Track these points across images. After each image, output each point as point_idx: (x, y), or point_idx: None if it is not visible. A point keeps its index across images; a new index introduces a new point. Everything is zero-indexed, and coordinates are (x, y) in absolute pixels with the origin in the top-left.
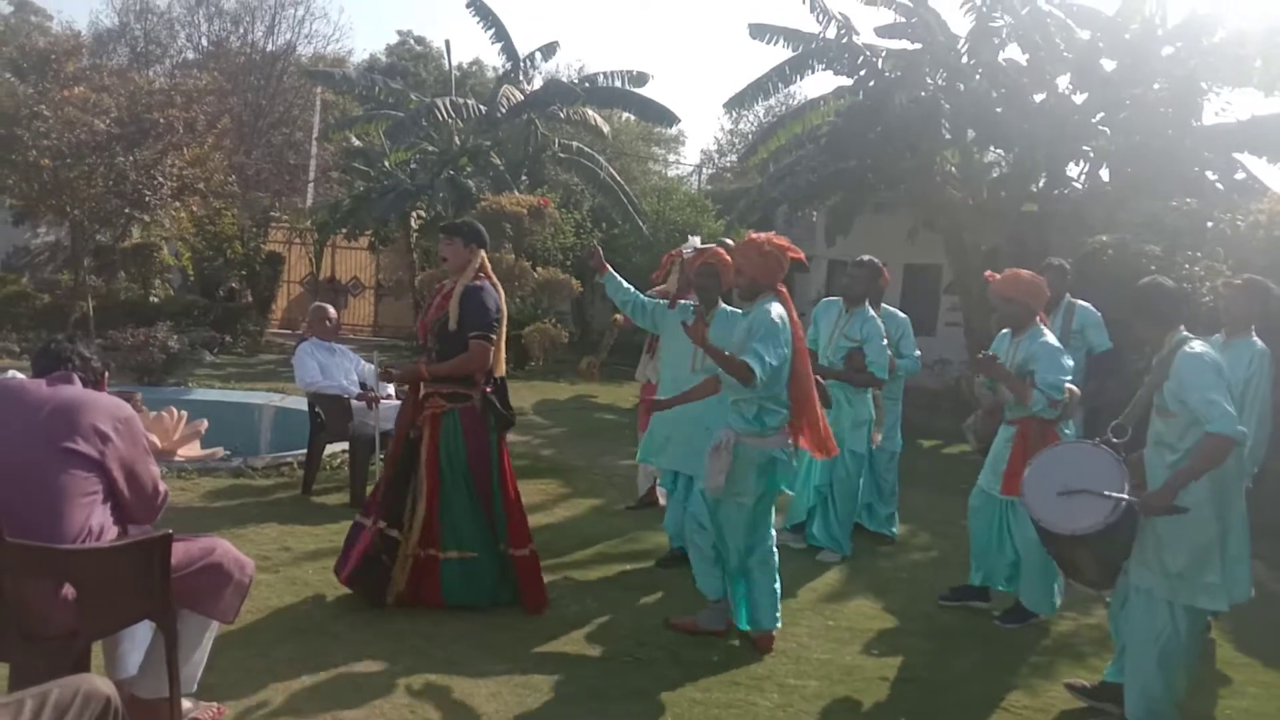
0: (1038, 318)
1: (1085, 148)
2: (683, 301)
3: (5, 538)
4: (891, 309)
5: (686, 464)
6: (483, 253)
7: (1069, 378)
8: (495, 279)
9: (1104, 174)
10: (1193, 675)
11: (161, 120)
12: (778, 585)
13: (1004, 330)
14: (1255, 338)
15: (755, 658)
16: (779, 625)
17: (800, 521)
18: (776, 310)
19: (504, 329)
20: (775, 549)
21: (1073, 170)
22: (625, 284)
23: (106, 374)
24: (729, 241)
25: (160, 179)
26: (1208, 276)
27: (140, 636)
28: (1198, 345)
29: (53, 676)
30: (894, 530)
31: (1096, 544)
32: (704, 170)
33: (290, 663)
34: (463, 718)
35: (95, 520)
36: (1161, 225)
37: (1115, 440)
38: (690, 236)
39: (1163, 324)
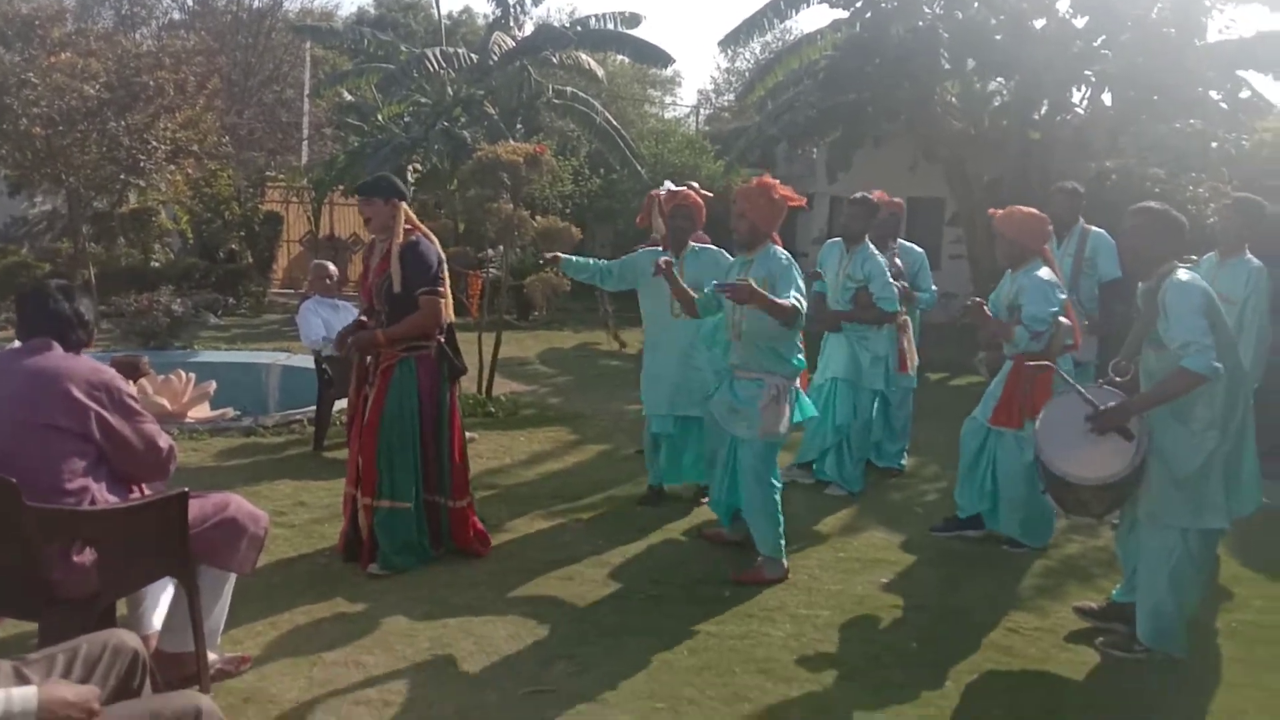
0: (1041, 253)
1: (1087, 72)
2: (643, 248)
3: (25, 503)
4: (908, 244)
5: (685, 406)
6: (405, 205)
7: (1056, 309)
8: (425, 228)
9: (1106, 98)
10: (1204, 594)
11: (151, 83)
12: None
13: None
14: (1250, 256)
15: (769, 592)
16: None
17: (809, 460)
18: (785, 254)
19: (447, 278)
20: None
21: (1075, 96)
22: (582, 260)
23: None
24: (694, 185)
25: (154, 143)
26: (1212, 198)
27: (162, 593)
28: (1184, 274)
29: (81, 634)
30: (902, 464)
31: (1116, 486)
32: (701, 111)
33: (310, 613)
34: (483, 659)
35: (92, 490)
36: (1165, 148)
37: (1118, 379)
38: (665, 182)
39: (1155, 258)
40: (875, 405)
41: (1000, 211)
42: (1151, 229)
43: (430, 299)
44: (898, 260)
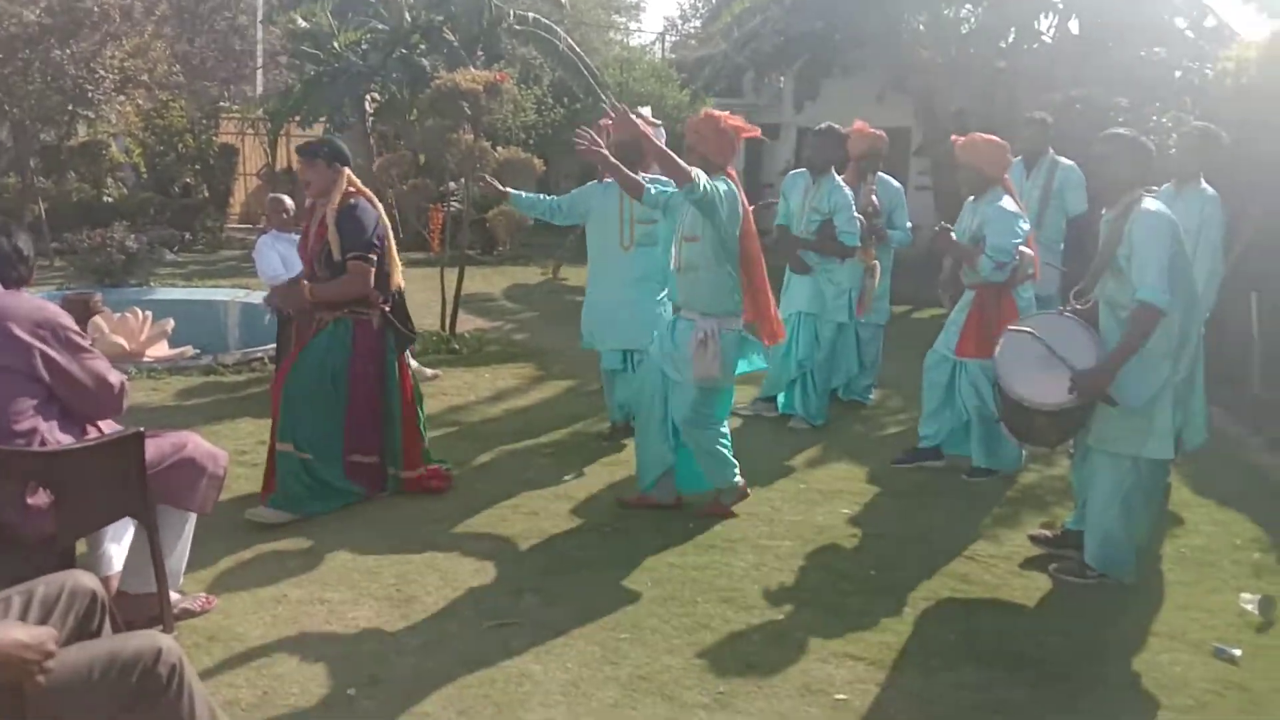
0: (1001, 182)
1: None
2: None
3: None
4: (887, 177)
5: (635, 341)
6: (348, 170)
7: (1019, 241)
8: (369, 193)
9: (1074, 26)
10: (1154, 521)
11: (95, 9)
12: (727, 446)
13: (971, 196)
14: (1205, 185)
15: (731, 524)
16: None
17: (773, 394)
18: (728, 186)
19: (391, 244)
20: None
21: (1042, 24)
22: (531, 196)
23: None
24: (644, 110)
25: (101, 72)
26: (1175, 127)
27: (122, 533)
28: (1153, 204)
29: (38, 575)
30: (870, 398)
31: (1071, 413)
32: (667, 38)
33: (273, 551)
34: (448, 593)
35: (42, 431)
36: (1130, 78)
37: (1079, 307)
38: (640, 108)
39: (1122, 184)
40: (840, 338)
41: (962, 139)
42: (1120, 156)
43: (358, 264)
44: (875, 197)
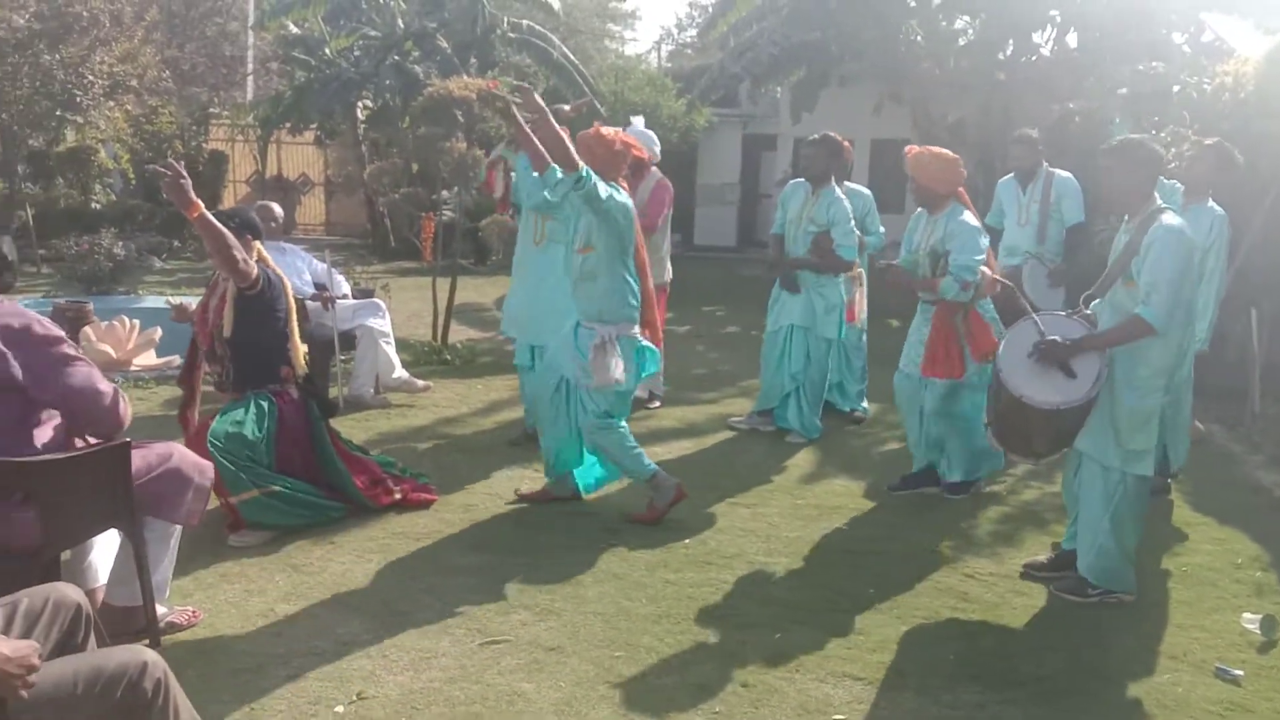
0: (958, 194)
1: (1053, 12)
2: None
3: None
4: (856, 186)
5: (538, 337)
6: (258, 243)
7: (982, 258)
8: (272, 264)
9: (1071, 40)
10: (1141, 533)
11: (85, 13)
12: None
13: (919, 210)
14: (1213, 203)
15: (727, 540)
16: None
17: (768, 408)
18: (623, 196)
19: (293, 320)
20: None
21: (1040, 37)
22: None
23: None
24: (637, 120)
25: (90, 77)
26: (1173, 142)
27: (107, 545)
28: (1175, 220)
29: (22, 588)
30: (864, 406)
31: (1067, 417)
32: (663, 47)
33: (261, 565)
34: (438, 609)
35: (25, 440)
36: (1128, 90)
37: (1088, 312)
38: (632, 118)
39: (1140, 188)
40: (830, 353)
41: (914, 151)
42: (1131, 162)
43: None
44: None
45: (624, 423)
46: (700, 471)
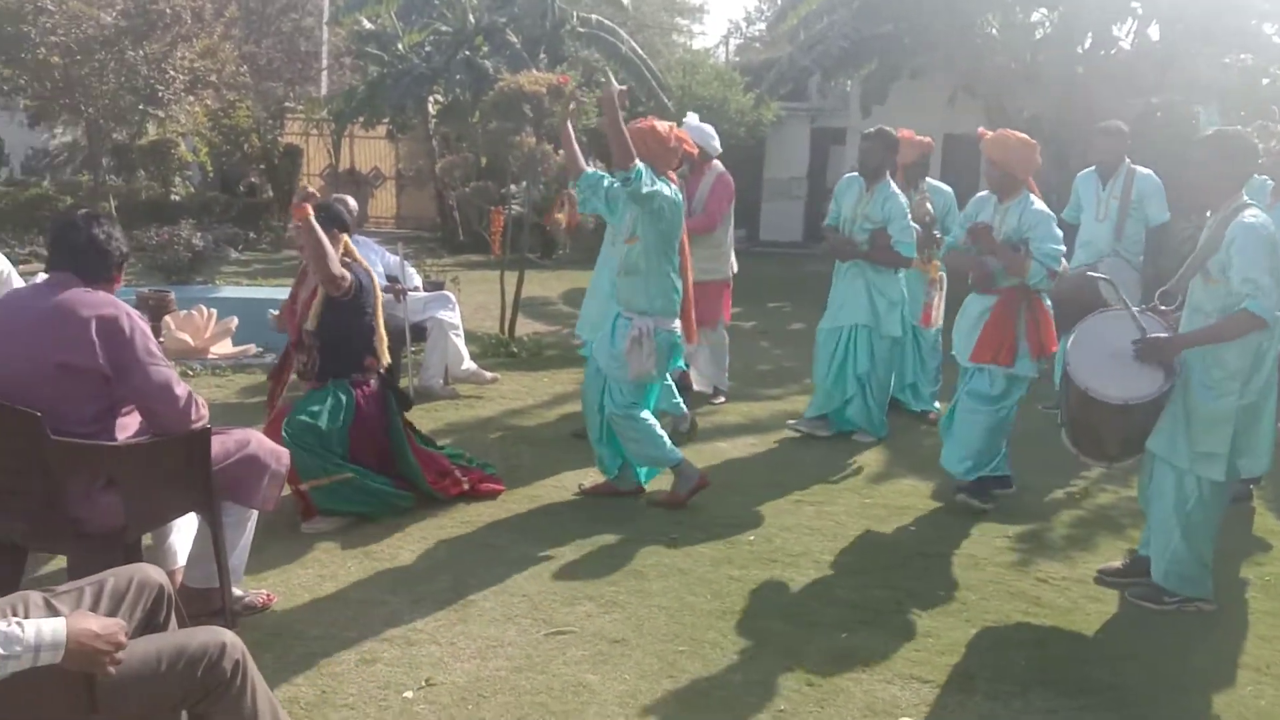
0: (1029, 182)
1: (1134, 4)
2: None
3: (50, 435)
4: (936, 183)
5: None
6: (345, 237)
7: (1063, 246)
8: (360, 258)
9: (1153, 32)
10: (1216, 539)
11: (168, 10)
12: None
13: (981, 194)
14: None
15: (793, 538)
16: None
17: (822, 414)
18: (672, 189)
19: (379, 313)
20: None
21: (1120, 30)
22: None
23: (123, 262)
24: (691, 117)
25: (172, 73)
26: (1261, 138)
27: (186, 529)
28: (1257, 215)
29: (107, 568)
30: (936, 406)
31: (1137, 413)
32: (731, 41)
33: (333, 551)
34: (504, 599)
35: (110, 426)
36: (1214, 86)
37: (1164, 307)
38: (690, 113)
39: (1231, 181)
40: (894, 352)
41: (990, 134)
42: (1225, 154)
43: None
44: (929, 204)
45: (647, 412)
46: (765, 468)
